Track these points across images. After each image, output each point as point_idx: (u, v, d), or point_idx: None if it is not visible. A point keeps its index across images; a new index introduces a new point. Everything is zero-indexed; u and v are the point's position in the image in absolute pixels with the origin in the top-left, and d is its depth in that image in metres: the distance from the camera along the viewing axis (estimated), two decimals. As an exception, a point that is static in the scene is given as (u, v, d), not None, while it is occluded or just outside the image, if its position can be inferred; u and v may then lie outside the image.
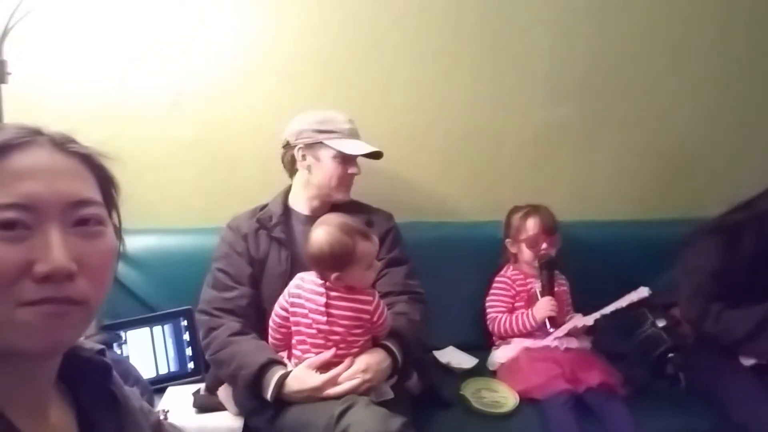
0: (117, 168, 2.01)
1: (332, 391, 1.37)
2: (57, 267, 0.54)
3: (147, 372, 1.68)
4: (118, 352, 1.68)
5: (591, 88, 2.21)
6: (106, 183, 0.65)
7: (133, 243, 1.82)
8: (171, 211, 1.95)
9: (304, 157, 1.68)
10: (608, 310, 1.78)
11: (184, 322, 1.76)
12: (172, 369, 1.74)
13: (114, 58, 1.81)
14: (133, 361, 1.68)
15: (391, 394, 1.45)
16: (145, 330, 1.74)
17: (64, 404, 0.68)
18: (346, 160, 1.64)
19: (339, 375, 1.39)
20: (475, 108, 2.13)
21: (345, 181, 1.66)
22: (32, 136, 0.59)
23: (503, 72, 2.13)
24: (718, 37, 2.27)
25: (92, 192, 0.61)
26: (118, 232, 0.67)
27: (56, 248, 0.54)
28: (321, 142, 1.64)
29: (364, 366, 1.41)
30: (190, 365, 1.75)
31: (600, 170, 2.28)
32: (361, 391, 1.38)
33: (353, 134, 1.68)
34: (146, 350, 1.73)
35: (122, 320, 1.73)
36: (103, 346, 0.75)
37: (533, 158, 2.22)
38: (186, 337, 1.76)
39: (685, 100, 2.30)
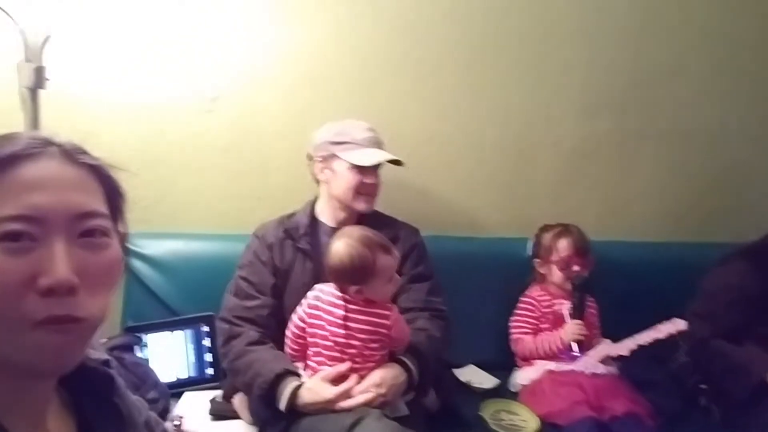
0: (149, 172, 2.06)
1: (345, 404, 1.35)
2: (59, 280, 0.54)
3: (166, 376, 1.69)
4: (139, 354, 1.69)
5: (630, 102, 2.15)
6: (113, 194, 0.65)
7: (160, 247, 1.85)
8: (201, 216, 1.97)
9: (322, 170, 1.68)
10: (645, 340, 1.71)
11: (205, 328, 1.77)
12: (191, 374, 1.75)
13: (149, 64, 1.85)
14: (152, 364, 1.69)
15: (405, 411, 1.43)
16: (167, 334, 1.75)
17: (65, 412, 0.68)
18: (362, 170, 1.62)
19: (353, 388, 1.37)
20: (508, 119, 2.09)
21: (363, 191, 1.64)
22: (43, 147, 0.60)
23: (538, 83, 2.09)
24: (767, 53, 2.17)
25: (99, 204, 0.62)
26: (124, 243, 0.67)
27: (60, 261, 0.55)
28: (335, 155, 1.63)
29: (378, 380, 1.39)
30: (209, 371, 1.76)
31: (637, 188, 2.21)
32: (375, 405, 1.36)
33: (371, 143, 1.65)
34: (166, 354, 1.74)
35: (144, 323, 1.75)
36: (108, 357, 0.75)
37: (566, 174, 2.16)
38: (206, 343, 1.77)
39: (732, 117, 2.21)
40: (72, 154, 0.61)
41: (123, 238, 0.66)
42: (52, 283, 0.54)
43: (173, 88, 1.88)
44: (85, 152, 0.63)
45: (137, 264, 1.82)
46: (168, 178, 1.92)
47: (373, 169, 1.65)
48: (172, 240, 1.88)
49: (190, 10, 1.85)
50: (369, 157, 1.61)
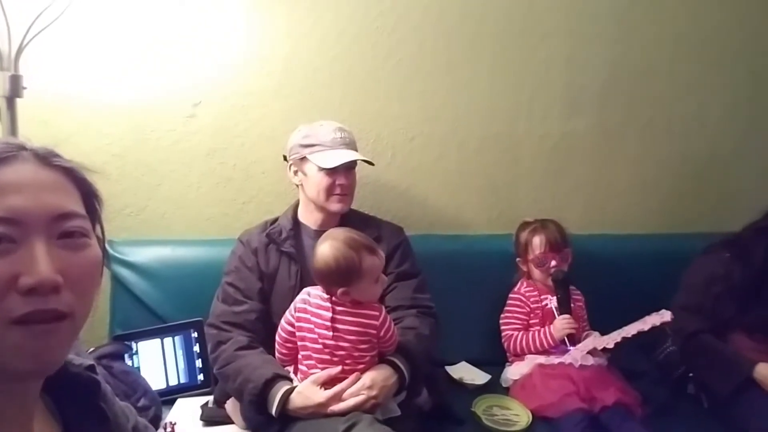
0: (132, 180, 2.04)
1: (337, 407, 1.35)
2: (42, 279, 0.54)
3: (157, 383, 1.69)
4: (129, 362, 1.69)
5: (611, 98, 2.16)
6: (89, 196, 0.66)
7: (146, 254, 1.84)
8: (186, 222, 1.96)
9: (296, 173, 1.68)
10: (630, 332, 1.72)
11: (195, 334, 1.77)
12: (182, 380, 1.74)
13: (130, 71, 1.83)
14: (143, 371, 1.69)
15: (397, 412, 1.43)
16: (156, 341, 1.75)
17: (50, 417, 0.68)
18: (332, 172, 1.61)
19: (344, 391, 1.37)
20: (492, 118, 2.10)
21: (334, 192, 1.63)
22: (16, 151, 0.60)
23: (520, 81, 2.10)
24: (744, 46, 2.21)
25: (76, 205, 0.62)
26: (102, 244, 0.67)
27: (41, 261, 0.55)
28: (305, 157, 1.63)
29: (369, 382, 1.39)
30: (200, 377, 1.75)
31: (620, 182, 2.23)
32: (367, 407, 1.36)
33: (339, 144, 1.64)
34: (157, 361, 1.73)
35: (133, 331, 1.75)
36: (92, 362, 0.75)
37: (550, 169, 2.18)
38: (196, 348, 1.76)
39: (711, 109, 2.24)
40: (46, 158, 0.62)
41: (101, 239, 0.67)
42: (34, 283, 0.54)
43: (155, 94, 1.87)
44: (58, 156, 0.63)
45: (123, 272, 1.81)
46: (152, 185, 1.91)
47: (345, 170, 1.64)
48: (157, 247, 1.87)
49: (171, 16, 1.84)
50: (335, 158, 1.61)
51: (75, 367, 0.71)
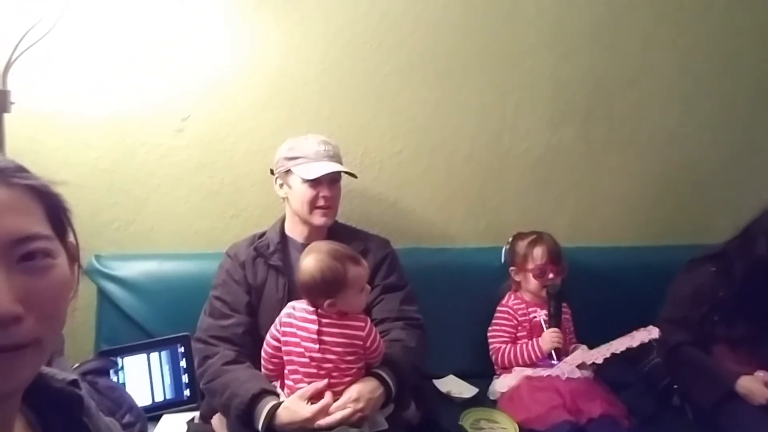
0: (120, 194, 2.02)
1: (323, 422, 1.35)
2: (1, 313, 0.52)
3: (143, 399, 1.67)
4: (115, 378, 1.67)
5: (595, 110, 2.20)
6: (55, 211, 0.63)
7: (134, 268, 1.83)
8: (174, 236, 1.95)
9: (281, 186, 1.69)
10: (619, 348, 1.73)
11: (182, 349, 1.76)
12: (168, 396, 1.73)
13: (117, 85, 1.84)
14: (129, 387, 1.67)
15: (384, 425, 1.43)
16: (142, 356, 1.73)
17: None
18: (316, 184, 1.62)
19: (330, 405, 1.36)
20: (479, 130, 2.13)
21: (317, 205, 1.64)
22: None
23: (506, 94, 2.13)
24: (724, 59, 2.25)
25: (38, 225, 0.59)
26: (77, 258, 0.65)
27: (0, 292, 0.53)
28: (290, 170, 1.64)
29: (355, 395, 1.38)
30: (186, 392, 1.74)
31: (605, 194, 2.26)
32: (354, 420, 1.36)
33: (322, 156, 1.64)
34: (143, 377, 1.72)
35: (119, 346, 1.73)
36: (75, 377, 0.74)
37: (536, 182, 2.20)
38: (183, 363, 1.75)
39: (692, 121, 2.28)
40: (5, 176, 0.58)
41: (73, 253, 0.64)
42: None
43: (143, 108, 1.87)
44: (21, 172, 0.60)
45: (110, 286, 1.80)
46: (140, 199, 1.91)
47: (329, 183, 1.64)
48: (145, 261, 1.86)
49: (159, 30, 1.84)
50: (318, 170, 1.61)
51: (57, 383, 0.70)
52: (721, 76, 2.26)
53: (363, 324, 1.43)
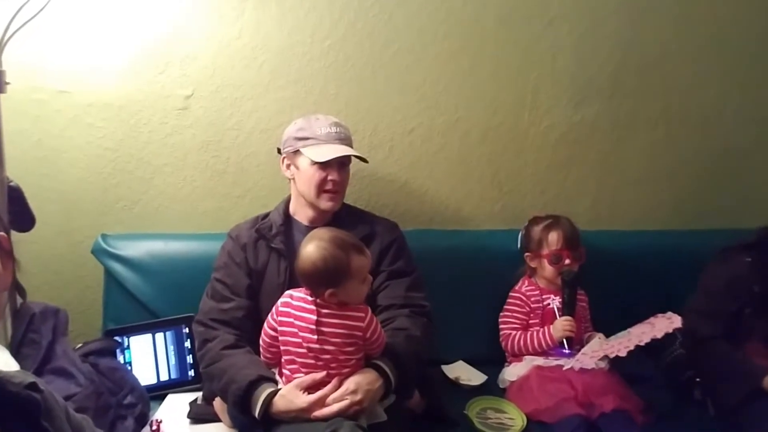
0: (125, 173, 2.01)
1: (320, 413, 1.32)
2: None
3: (148, 378, 1.69)
4: (120, 358, 1.68)
5: (621, 86, 2.07)
6: None
7: (139, 248, 1.82)
8: (179, 216, 1.93)
9: (288, 166, 1.64)
10: (643, 340, 1.65)
11: (186, 330, 1.75)
12: (173, 376, 1.73)
13: (121, 63, 1.80)
14: (135, 366, 1.69)
15: (384, 417, 1.39)
16: (148, 336, 1.74)
17: None
18: (325, 167, 1.57)
19: (327, 396, 1.33)
20: (495, 108, 2.03)
21: (325, 188, 1.59)
22: None
23: (525, 69, 2.01)
24: (765, 34, 2.08)
25: None
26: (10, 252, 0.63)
27: None
28: (299, 150, 1.59)
29: (353, 387, 1.34)
30: (191, 373, 1.74)
31: (630, 176, 2.15)
32: (351, 412, 1.32)
33: (333, 138, 1.59)
34: (148, 356, 1.72)
35: (125, 326, 1.74)
36: (34, 380, 0.73)
37: (556, 162, 2.10)
38: (187, 344, 1.75)
39: (730, 99, 2.14)
40: None
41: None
42: None
43: (146, 86, 1.83)
44: None
45: (116, 266, 1.80)
46: (144, 179, 1.89)
47: (338, 166, 1.59)
48: (150, 241, 1.85)
49: (162, 7, 1.79)
50: (328, 152, 1.56)
51: (14, 386, 0.69)
52: (763, 52, 2.09)
53: (363, 315, 1.38)
